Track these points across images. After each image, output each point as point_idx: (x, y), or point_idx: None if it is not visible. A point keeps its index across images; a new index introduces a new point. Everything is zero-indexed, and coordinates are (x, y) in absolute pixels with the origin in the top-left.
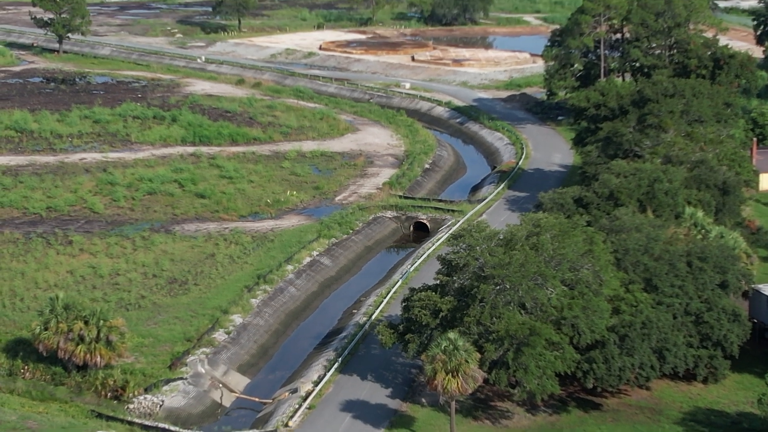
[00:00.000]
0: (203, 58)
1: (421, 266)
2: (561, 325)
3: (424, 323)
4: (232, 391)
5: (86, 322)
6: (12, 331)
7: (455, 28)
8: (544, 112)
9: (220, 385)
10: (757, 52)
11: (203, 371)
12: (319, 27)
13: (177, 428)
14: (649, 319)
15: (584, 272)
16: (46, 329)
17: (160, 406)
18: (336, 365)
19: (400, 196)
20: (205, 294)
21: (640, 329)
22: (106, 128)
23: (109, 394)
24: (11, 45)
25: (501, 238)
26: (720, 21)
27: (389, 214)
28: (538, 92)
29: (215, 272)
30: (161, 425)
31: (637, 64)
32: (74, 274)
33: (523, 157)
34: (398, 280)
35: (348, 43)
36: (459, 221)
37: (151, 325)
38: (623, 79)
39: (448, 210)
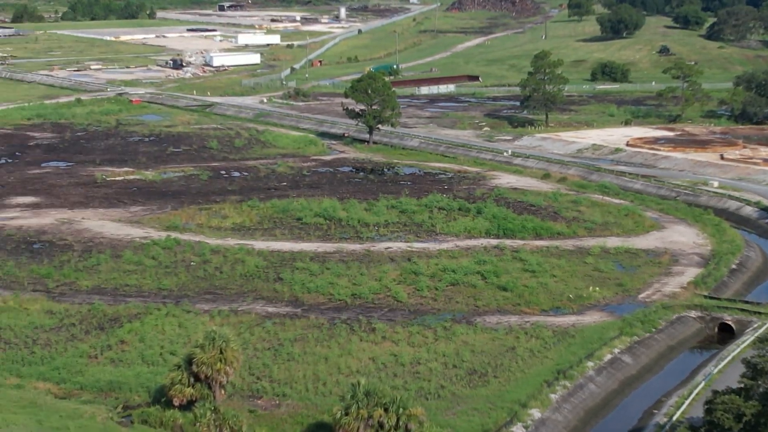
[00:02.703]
0: (509, 151)
1: (725, 369)
2: None
3: (726, 427)
4: None
5: (386, 410)
6: (314, 414)
7: (766, 127)
8: None
9: None
10: None
11: None
12: (627, 123)
13: None
14: None
15: None
16: (346, 414)
17: None
18: None
19: (705, 296)
20: (504, 387)
21: None
22: (412, 219)
23: None
24: (323, 135)
25: None
26: None
27: (693, 313)
28: None
29: (515, 365)
30: None
31: None
32: (376, 362)
33: None
34: (701, 382)
35: (656, 140)
36: (766, 324)
37: (449, 416)
38: None
39: (755, 312)
